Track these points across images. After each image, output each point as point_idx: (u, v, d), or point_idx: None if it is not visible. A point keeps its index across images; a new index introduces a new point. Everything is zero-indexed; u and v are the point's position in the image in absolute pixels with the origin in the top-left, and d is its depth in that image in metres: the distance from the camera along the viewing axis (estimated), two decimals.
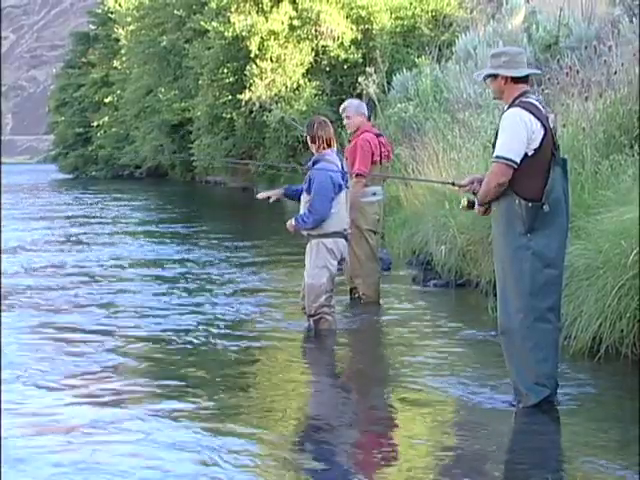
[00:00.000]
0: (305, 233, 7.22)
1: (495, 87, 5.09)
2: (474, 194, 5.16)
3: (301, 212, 7.24)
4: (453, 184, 5.60)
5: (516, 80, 5.02)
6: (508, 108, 5.00)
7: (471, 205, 5.22)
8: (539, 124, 4.88)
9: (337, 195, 7.11)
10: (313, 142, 7.21)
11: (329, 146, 7.19)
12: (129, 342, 7.16)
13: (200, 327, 7.65)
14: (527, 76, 5.11)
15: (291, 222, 7.21)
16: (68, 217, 21.13)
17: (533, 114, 4.88)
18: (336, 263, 7.18)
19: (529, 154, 4.87)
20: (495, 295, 5.29)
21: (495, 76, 5.05)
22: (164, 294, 9.37)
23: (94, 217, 21.15)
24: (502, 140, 4.91)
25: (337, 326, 7.27)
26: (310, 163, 7.22)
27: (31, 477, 4.31)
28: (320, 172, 7.03)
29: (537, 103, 5.00)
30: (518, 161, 4.85)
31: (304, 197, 7.22)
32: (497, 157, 4.90)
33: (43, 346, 7.00)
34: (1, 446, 4.58)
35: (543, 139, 4.88)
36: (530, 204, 4.85)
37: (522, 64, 5.07)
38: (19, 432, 4.90)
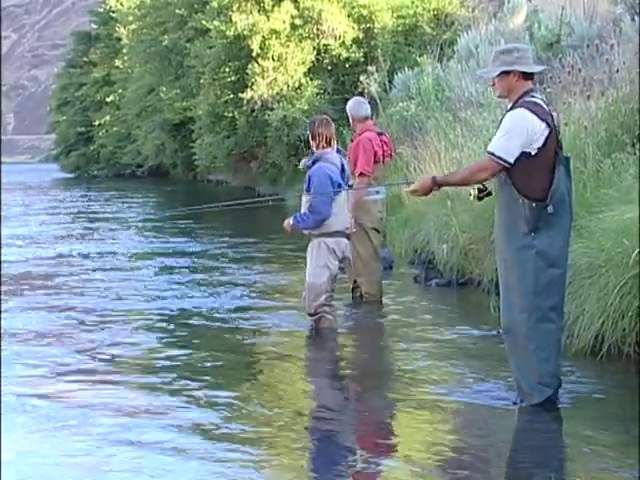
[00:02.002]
0: (307, 232, 7.21)
1: (504, 84, 5.00)
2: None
3: (302, 211, 7.23)
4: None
5: (526, 77, 4.98)
6: (512, 107, 4.95)
7: (482, 192, 5.08)
8: (543, 124, 4.84)
9: (337, 194, 7.09)
10: (314, 139, 7.21)
11: (329, 145, 7.19)
12: (131, 326, 7.64)
13: (198, 322, 7.76)
14: (533, 74, 5.08)
15: (288, 221, 7.19)
16: (75, 213, 22.02)
17: (537, 115, 4.84)
18: (337, 263, 7.17)
19: (532, 153, 4.83)
20: (497, 294, 5.29)
21: (507, 73, 4.98)
22: (166, 285, 9.76)
23: (100, 213, 21.96)
24: (500, 138, 4.85)
25: (338, 325, 7.27)
26: (309, 162, 7.21)
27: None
28: (319, 171, 7.03)
29: (541, 102, 4.97)
30: (512, 162, 4.82)
31: (304, 196, 7.20)
32: (492, 154, 4.83)
33: (55, 323, 7.86)
34: (1, 445, 4.59)
35: (547, 138, 4.85)
36: (534, 204, 4.81)
37: (531, 60, 5.05)
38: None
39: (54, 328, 7.58)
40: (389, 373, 6.21)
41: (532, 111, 4.85)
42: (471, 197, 5.18)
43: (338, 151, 7.33)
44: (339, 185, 7.07)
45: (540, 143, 4.84)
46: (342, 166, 7.22)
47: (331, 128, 7.22)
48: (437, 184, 5.07)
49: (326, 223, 7.06)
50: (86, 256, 12.67)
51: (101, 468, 4.36)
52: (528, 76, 5.00)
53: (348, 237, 7.31)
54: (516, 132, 4.82)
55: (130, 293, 9.30)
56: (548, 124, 4.86)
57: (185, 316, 8.03)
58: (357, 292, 8.57)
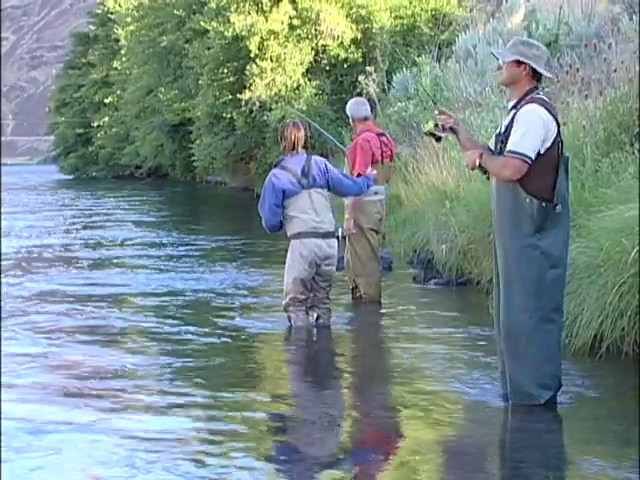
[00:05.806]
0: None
1: (513, 73, 4.93)
2: (451, 129, 5.08)
3: None
4: (435, 103, 5.99)
5: (534, 76, 4.94)
6: (522, 103, 4.89)
7: (434, 133, 5.14)
8: (554, 122, 4.84)
9: (287, 199, 7.17)
10: (280, 142, 7.35)
11: (293, 149, 7.26)
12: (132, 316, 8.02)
13: (193, 319, 7.80)
14: (541, 76, 5.05)
15: None
16: (79, 210, 23.17)
17: (550, 112, 4.84)
18: (306, 265, 7.19)
19: (541, 152, 4.79)
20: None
21: (519, 63, 4.91)
22: (164, 279, 10.21)
23: (102, 210, 23.00)
24: (520, 135, 4.78)
25: (306, 326, 7.27)
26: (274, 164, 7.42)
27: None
28: (267, 180, 7.25)
29: (549, 101, 4.97)
30: (533, 158, 4.80)
31: None
32: (515, 152, 4.76)
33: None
34: (1, 441, 4.59)
35: (556, 137, 4.84)
36: (544, 204, 4.78)
37: (544, 63, 5.01)
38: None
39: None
40: (387, 372, 6.21)
41: (545, 107, 4.83)
42: (424, 128, 5.26)
43: (309, 153, 7.38)
44: (283, 191, 7.15)
45: (550, 142, 4.81)
46: (303, 169, 7.21)
47: (298, 132, 7.26)
48: (480, 164, 4.99)
49: (289, 226, 7.24)
50: (89, 246, 14.05)
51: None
52: (536, 76, 4.98)
53: (325, 236, 7.28)
54: (534, 128, 4.78)
55: (130, 278, 10.24)
56: (557, 122, 4.85)
57: (179, 309, 8.03)
58: (357, 292, 8.56)
